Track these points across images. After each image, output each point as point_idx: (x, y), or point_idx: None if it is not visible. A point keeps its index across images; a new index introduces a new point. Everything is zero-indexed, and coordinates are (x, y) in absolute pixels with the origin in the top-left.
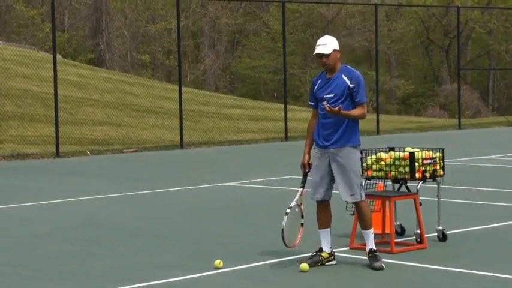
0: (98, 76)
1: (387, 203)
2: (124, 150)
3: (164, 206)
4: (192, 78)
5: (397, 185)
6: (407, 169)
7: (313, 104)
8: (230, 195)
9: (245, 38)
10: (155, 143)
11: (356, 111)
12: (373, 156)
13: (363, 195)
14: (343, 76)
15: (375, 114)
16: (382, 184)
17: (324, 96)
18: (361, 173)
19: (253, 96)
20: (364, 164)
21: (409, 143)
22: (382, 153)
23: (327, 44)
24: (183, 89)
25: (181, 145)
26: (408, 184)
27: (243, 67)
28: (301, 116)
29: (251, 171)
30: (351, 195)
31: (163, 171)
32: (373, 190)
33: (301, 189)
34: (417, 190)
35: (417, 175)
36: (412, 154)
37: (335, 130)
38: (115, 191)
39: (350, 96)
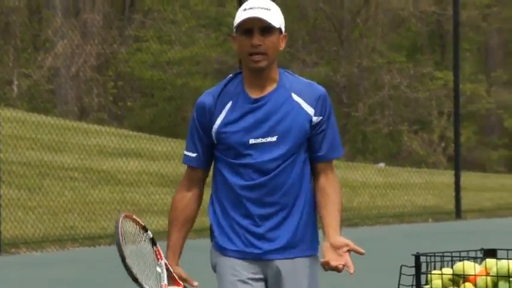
0: None
1: None
2: None
3: None
4: (24, 88)
5: None
6: None
7: (195, 155)
8: None
9: None
10: None
11: (334, 195)
12: (447, 271)
13: None
14: (294, 96)
15: (452, 172)
16: None
17: (252, 141)
18: None
19: (171, 130)
20: None
21: None
22: (467, 263)
23: (271, 10)
24: (3, 112)
25: None
26: None
27: (148, 62)
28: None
29: None
30: None
31: None
32: None
33: None
34: None
35: None
36: None
37: (276, 214)
38: None
39: (306, 144)
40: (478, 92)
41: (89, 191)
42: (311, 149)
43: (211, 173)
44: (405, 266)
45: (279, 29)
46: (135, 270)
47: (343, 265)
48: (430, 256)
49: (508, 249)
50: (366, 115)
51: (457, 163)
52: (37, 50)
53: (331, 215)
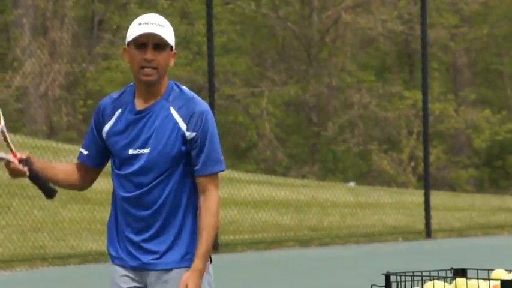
0: None
1: None
2: None
3: None
4: None
5: None
6: None
7: (86, 153)
8: None
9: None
10: None
11: (208, 211)
12: None
13: None
14: (172, 110)
15: (422, 191)
16: None
17: (131, 152)
18: None
19: None
20: None
21: (500, 258)
22: (437, 282)
23: (165, 27)
24: None
25: None
26: None
27: (117, 80)
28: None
29: None
30: None
31: None
32: None
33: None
34: None
35: None
36: (507, 284)
37: (153, 226)
38: None
39: (186, 158)
40: (447, 111)
41: (58, 210)
42: (191, 163)
43: None
44: (375, 285)
45: (171, 46)
46: None
47: None
48: (401, 275)
49: (477, 269)
50: (336, 134)
51: (427, 182)
52: (5, 69)
53: (198, 243)
